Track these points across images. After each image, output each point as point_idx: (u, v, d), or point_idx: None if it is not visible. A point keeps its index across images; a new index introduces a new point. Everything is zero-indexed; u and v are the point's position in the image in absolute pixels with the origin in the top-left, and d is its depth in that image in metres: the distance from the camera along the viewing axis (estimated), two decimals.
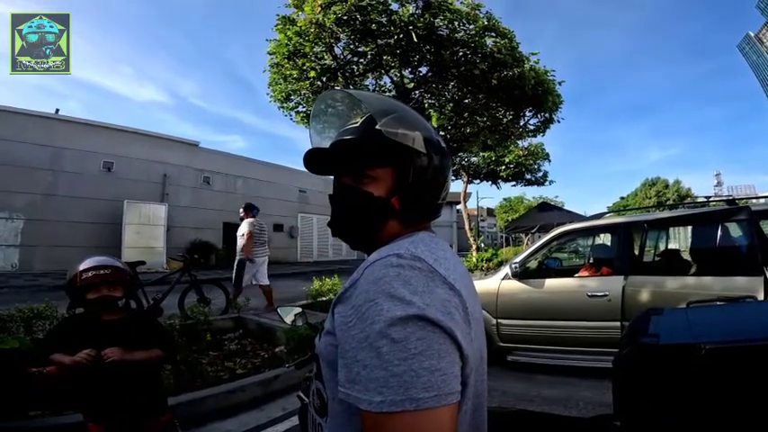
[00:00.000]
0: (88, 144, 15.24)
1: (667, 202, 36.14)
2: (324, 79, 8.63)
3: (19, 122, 13.79)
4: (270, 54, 8.60)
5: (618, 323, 3.49)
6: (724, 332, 1.16)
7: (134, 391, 1.73)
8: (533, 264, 4.37)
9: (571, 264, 6.64)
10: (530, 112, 10.05)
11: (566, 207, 22.18)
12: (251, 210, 6.61)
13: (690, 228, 4.30)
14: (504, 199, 43.99)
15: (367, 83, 9.51)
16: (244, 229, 6.39)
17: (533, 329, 3.90)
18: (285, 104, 9.70)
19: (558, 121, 10.45)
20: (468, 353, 0.55)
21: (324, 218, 23.71)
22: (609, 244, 4.78)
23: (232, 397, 3.22)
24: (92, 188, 15.18)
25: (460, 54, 8.10)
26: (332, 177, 0.79)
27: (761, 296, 2.96)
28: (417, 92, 9.45)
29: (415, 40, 7.47)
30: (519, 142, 15.86)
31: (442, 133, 6.84)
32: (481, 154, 17.37)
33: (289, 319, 1.39)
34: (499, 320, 4.03)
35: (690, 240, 4.39)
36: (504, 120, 10.23)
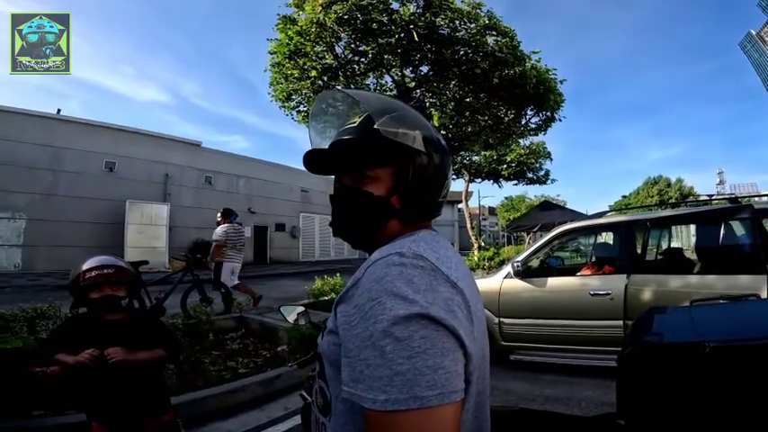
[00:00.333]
0: (90, 144, 15.30)
1: (669, 201, 36.03)
2: (325, 78, 8.62)
3: (20, 123, 13.86)
4: (271, 53, 8.60)
5: (620, 322, 3.48)
6: (727, 331, 1.16)
7: (137, 391, 1.73)
8: (535, 262, 4.36)
9: (573, 263, 6.62)
10: (531, 110, 10.02)
11: (567, 206, 22.16)
12: (229, 216, 6.60)
13: (692, 226, 4.29)
14: (506, 198, 43.88)
15: (368, 82, 9.50)
16: (217, 234, 6.38)
17: (536, 328, 3.90)
18: (286, 104, 9.69)
19: (560, 120, 10.43)
20: (471, 351, 0.55)
21: (325, 217, 23.61)
22: (611, 243, 4.78)
23: (234, 396, 3.22)
24: (94, 188, 15.24)
25: (462, 53, 8.08)
26: (333, 177, 0.79)
27: (764, 294, 2.95)
28: (418, 91, 9.42)
29: (416, 39, 7.46)
30: (520, 141, 15.80)
31: (443, 132, 6.84)
32: (483, 153, 17.31)
33: (291, 318, 1.39)
34: (501, 319, 4.03)
35: (692, 239, 4.38)
36: (506, 118, 10.21)
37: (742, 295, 1.69)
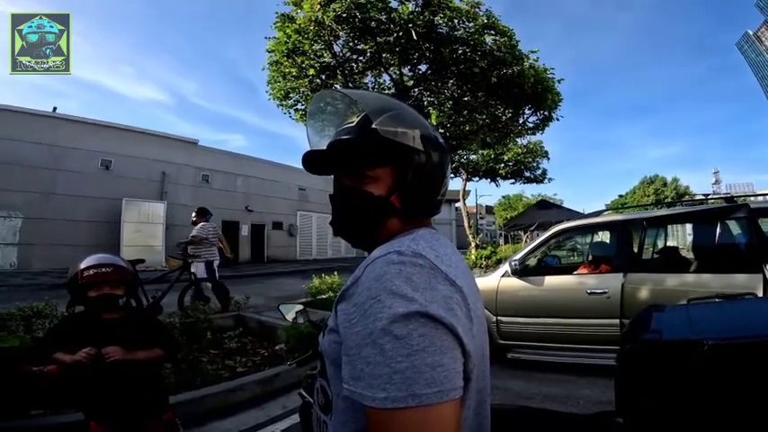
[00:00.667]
0: (85, 142, 15.22)
1: (665, 200, 36.18)
2: (323, 77, 8.61)
3: (16, 121, 13.76)
4: (269, 52, 8.59)
5: (617, 320, 3.50)
6: (725, 329, 1.17)
7: (135, 391, 1.73)
8: (533, 261, 4.37)
9: (570, 262, 6.64)
10: (529, 109, 10.03)
11: (564, 205, 22.21)
12: (204, 215, 6.62)
13: (688, 225, 4.31)
14: (503, 197, 44.09)
15: (366, 81, 9.50)
16: (195, 232, 6.40)
17: (533, 327, 3.91)
18: (284, 102, 9.68)
19: (558, 119, 10.44)
20: (470, 349, 0.55)
21: (323, 216, 23.72)
22: (608, 242, 4.79)
23: (232, 395, 3.21)
24: (90, 186, 15.17)
25: (460, 52, 8.09)
26: (332, 176, 0.79)
27: (760, 293, 2.97)
28: (417, 90, 9.43)
29: (415, 37, 7.45)
30: (518, 140, 15.83)
31: (441, 131, 6.82)
32: (480, 152, 17.34)
33: (290, 316, 1.39)
34: (499, 318, 4.04)
35: (688, 238, 4.40)
36: (504, 117, 10.22)
37: (739, 294, 1.70)
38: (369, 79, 9.59)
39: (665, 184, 54.15)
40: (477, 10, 7.86)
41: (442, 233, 0.73)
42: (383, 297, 0.53)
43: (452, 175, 17.49)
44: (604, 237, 5.37)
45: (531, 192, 45.98)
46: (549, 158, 20.51)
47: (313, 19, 7.47)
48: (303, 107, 9.59)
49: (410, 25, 7.38)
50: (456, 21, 7.75)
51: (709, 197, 6.16)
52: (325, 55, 8.52)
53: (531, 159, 20.04)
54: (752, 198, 3.90)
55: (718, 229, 3.55)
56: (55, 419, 2.54)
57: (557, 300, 3.86)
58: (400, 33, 7.50)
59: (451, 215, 36.96)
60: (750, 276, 3.13)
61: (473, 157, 18.65)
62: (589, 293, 3.68)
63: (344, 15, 7.37)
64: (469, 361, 0.55)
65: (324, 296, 6.69)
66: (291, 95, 9.51)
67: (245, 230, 20.52)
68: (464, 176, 19.29)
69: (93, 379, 1.65)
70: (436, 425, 0.48)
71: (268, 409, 3.19)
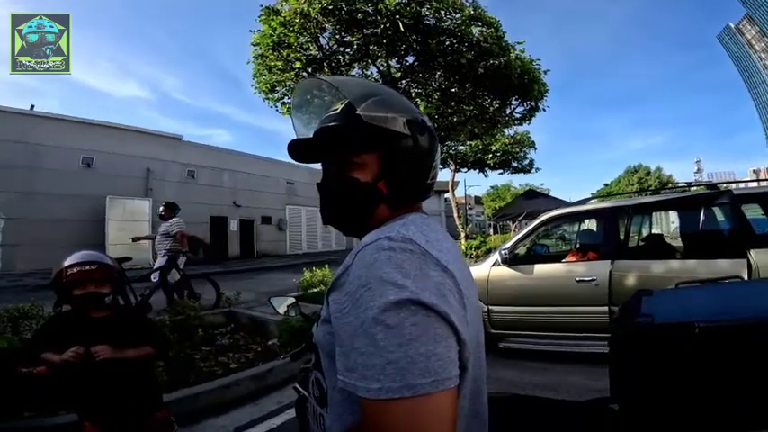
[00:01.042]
0: (65, 140, 14.83)
1: (649, 188, 36.75)
2: (309, 70, 8.52)
3: None
4: (254, 45, 8.46)
5: (605, 308, 3.55)
6: (715, 311, 1.19)
7: (127, 389, 1.70)
8: (522, 250, 4.40)
9: (558, 250, 6.71)
10: (516, 100, 10.09)
11: (552, 194, 22.41)
12: (174, 209, 6.56)
13: (672, 213, 4.36)
14: (492, 187, 44.38)
15: (353, 73, 9.42)
16: (174, 228, 6.31)
17: (524, 315, 3.95)
18: (270, 96, 9.56)
19: (544, 110, 10.53)
20: (464, 336, 0.54)
21: (312, 209, 23.58)
22: (594, 229, 4.85)
23: (226, 392, 3.20)
24: (72, 185, 14.81)
25: (447, 43, 8.07)
26: (319, 168, 0.78)
27: (745, 278, 3.03)
28: (404, 81, 9.39)
29: (402, 29, 7.41)
30: (505, 131, 15.90)
31: None
32: (468, 143, 17.37)
33: (282, 309, 1.38)
34: (490, 307, 4.07)
35: (671, 225, 4.46)
36: (491, 108, 10.26)
37: (726, 277, 1.73)
38: (356, 71, 9.51)
39: (648, 174, 55.06)
40: (463, 1, 7.85)
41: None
42: (374, 285, 0.52)
43: (441, 166, 17.50)
44: (591, 225, 5.43)
45: (518, 182, 46.43)
46: (536, 149, 20.68)
47: (299, 11, 7.38)
48: (290, 101, 9.49)
49: (397, 17, 7.32)
50: (443, 12, 7.72)
51: (692, 185, 6.26)
52: (311, 47, 8.43)
53: (518, 150, 20.15)
54: (733, 185, 3.96)
55: (702, 216, 3.60)
56: (50, 421, 2.51)
57: (546, 288, 3.90)
58: (387, 25, 7.45)
59: (441, 206, 37.05)
60: (734, 261, 3.19)
61: (461, 148, 18.69)
62: (578, 281, 3.73)
63: (331, 7, 7.29)
64: (465, 349, 0.55)
65: (315, 290, 6.67)
66: (278, 89, 9.40)
67: (233, 226, 20.30)
68: (453, 167, 19.35)
69: (83, 378, 1.63)
70: (432, 415, 0.48)
71: (263, 405, 3.19)
